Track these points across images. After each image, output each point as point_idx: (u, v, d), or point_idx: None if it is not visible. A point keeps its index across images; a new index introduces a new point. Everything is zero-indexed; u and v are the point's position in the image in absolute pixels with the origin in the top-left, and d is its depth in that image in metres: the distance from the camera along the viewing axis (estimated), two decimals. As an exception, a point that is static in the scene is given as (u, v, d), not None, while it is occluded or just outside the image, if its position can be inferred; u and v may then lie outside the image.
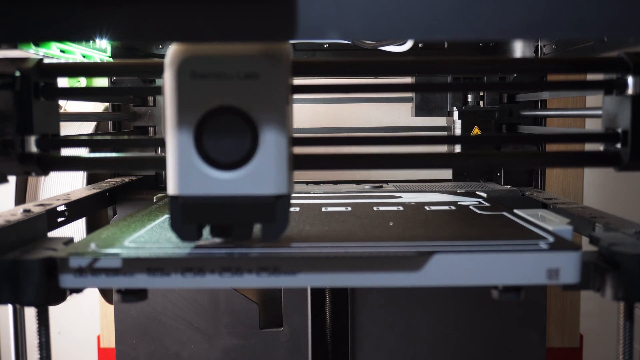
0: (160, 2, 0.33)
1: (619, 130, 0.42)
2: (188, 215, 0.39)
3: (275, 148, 0.38)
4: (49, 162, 0.43)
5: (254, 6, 0.33)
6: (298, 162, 0.41)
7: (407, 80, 0.88)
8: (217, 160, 0.38)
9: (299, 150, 0.41)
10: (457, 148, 0.85)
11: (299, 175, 0.95)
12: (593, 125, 1.06)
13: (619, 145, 0.42)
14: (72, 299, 0.41)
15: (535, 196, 0.76)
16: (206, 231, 0.45)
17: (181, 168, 0.38)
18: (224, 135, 0.38)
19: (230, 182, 0.39)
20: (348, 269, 0.39)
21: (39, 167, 0.42)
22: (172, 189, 0.39)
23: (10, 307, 0.52)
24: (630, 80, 0.41)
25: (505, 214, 0.53)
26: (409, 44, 0.82)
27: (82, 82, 0.96)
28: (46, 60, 0.43)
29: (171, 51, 0.38)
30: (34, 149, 0.42)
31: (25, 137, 0.41)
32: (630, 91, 0.41)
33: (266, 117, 0.38)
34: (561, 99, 0.96)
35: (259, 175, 0.38)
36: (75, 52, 0.73)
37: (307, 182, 0.90)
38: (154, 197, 0.66)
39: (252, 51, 0.38)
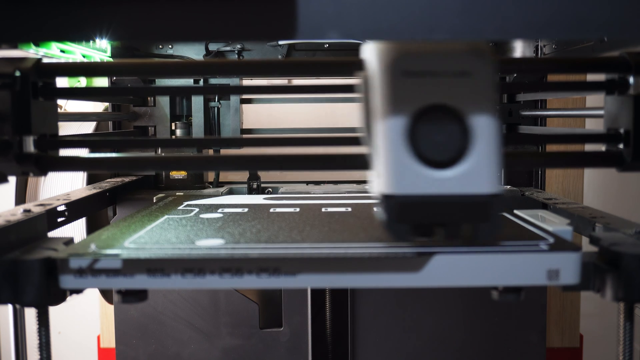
0: (160, 2, 0.33)
1: (621, 131, 0.42)
2: (403, 214, 0.38)
3: (488, 146, 0.37)
4: (47, 162, 0.43)
5: (254, 6, 0.33)
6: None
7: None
8: (432, 159, 0.37)
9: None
10: (458, 148, 0.84)
11: (300, 175, 0.95)
12: (593, 126, 1.06)
13: (621, 146, 0.42)
14: (72, 299, 0.41)
15: (535, 196, 0.76)
16: (206, 232, 0.45)
17: (395, 167, 0.37)
18: (436, 133, 0.37)
19: (445, 181, 0.37)
20: (348, 269, 0.39)
21: (36, 167, 0.42)
22: (386, 188, 0.38)
23: (10, 307, 0.52)
24: (632, 80, 0.41)
25: (505, 214, 0.53)
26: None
27: (82, 82, 0.96)
28: (46, 60, 0.43)
29: (375, 48, 0.37)
30: (32, 149, 0.42)
31: (23, 137, 0.41)
32: (632, 91, 0.41)
33: (478, 115, 0.37)
34: (561, 99, 0.95)
35: (473, 174, 0.37)
36: (75, 52, 0.73)
37: (307, 182, 0.90)
38: (154, 198, 0.66)
39: (461, 49, 0.37)
